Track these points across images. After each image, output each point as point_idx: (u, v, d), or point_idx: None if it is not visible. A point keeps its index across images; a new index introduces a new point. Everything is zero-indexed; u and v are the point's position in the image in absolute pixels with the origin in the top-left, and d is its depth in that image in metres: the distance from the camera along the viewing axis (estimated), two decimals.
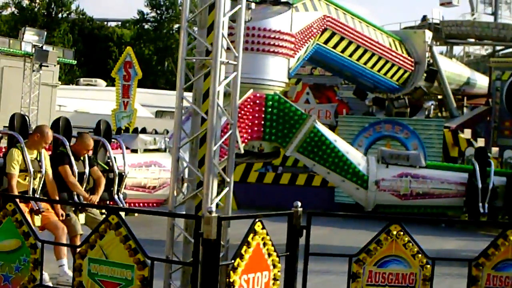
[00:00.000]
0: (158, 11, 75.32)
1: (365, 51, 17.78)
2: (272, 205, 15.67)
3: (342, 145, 14.25)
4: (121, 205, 11.10)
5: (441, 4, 49.12)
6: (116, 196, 11.18)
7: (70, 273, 8.73)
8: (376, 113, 21.89)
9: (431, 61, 21.01)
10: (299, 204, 6.67)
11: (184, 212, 7.40)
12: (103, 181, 10.36)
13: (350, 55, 17.36)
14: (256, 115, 13.53)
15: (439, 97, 24.61)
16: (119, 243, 6.25)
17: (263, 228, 6.23)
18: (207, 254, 5.95)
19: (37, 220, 9.20)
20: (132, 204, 12.77)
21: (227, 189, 7.01)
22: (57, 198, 9.50)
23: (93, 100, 41.07)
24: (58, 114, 35.82)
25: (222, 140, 7.27)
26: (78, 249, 6.56)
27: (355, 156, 14.39)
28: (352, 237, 14.31)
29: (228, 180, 7.10)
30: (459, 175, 14.71)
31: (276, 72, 13.85)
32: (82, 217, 9.96)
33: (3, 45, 32.73)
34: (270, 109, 13.60)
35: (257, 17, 13.32)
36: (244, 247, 6.06)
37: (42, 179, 9.42)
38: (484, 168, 14.44)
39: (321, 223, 14.21)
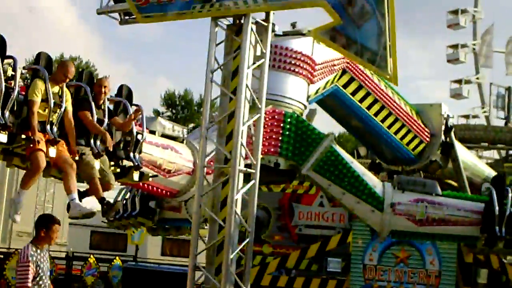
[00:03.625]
0: (174, 110, 76.16)
1: (382, 107, 17.27)
2: None
3: (359, 167, 14.16)
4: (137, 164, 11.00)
5: (452, 97, 49.41)
6: (132, 156, 11.01)
7: (81, 204, 9.25)
8: None
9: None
10: None
11: None
12: (128, 125, 10.41)
13: (368, 108, 16.86)
14: (274, 129, 13.46)
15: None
16: None
17: None
18: None
19: (52, 152, 9.19)
20: (145, 186, 12.55)
21: None
22: (74, 137, 9.54)
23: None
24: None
25: (239, 248, 7.32)
26: None
27: (372, 178, 14.26)
28: None
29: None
30: (476, 204, 14.38)
31: (296, 92, 13.85)
32: (97, 164, 9.96)
33: None
34: (288, 126, 13.57)
35: (280, 37, 13.39)
36: None
37: (61, 115, 9.46)
38: (501, 194, 14.29)
39: None
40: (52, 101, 9.27)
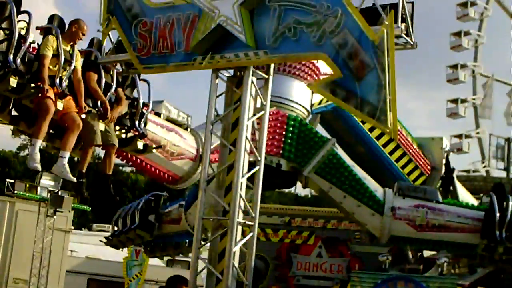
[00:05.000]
0: None
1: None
2: None
3: (360, 171, 14.13)
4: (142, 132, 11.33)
5: (448, 116, 48.94)
6: (137, 125, 11.28)
7: (67, 167, 9.60)
8: (389, 269, 21.63)
9: None
10: None
11: None
12: (125, 103, 10.77)
13: (370, 130, 16.91)
14: (277, 131, 13.56)
15: None
16: None
17: None
18: None
19: (59, 105, 9.60)
20: (148, 166, 12.57)
21: None
22: (82, 94, 9.87)
23: (105, 246, 40.87)
24: (69, 260, 35.70)
25: None
26: None
27: (372, 183, 14.25)
28: None
29: None
30: (476, 211, 14.46)
31: (300, 96, 14.07)
32: (102, 126, 10.28)
33: (20, 189, 33.02)
34: (291, 129, 13.63)
35: None
36: None
37: (70, 73, 9.80)
38: (501, 200, 14.20)
39: None
40: (63, 57, 9.59)
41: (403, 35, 8.92)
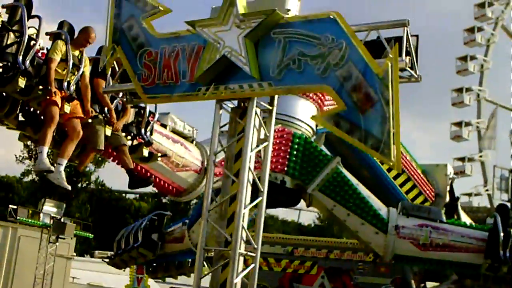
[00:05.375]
0: None
1: None
2: None
3: (364, 189, 14.07)
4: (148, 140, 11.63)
5: (452, 138, 48.83)
6: (143, 132, 11.58)
7: (63, 175, 9.79)
8: None
9: None
10: None
11: None
12: (131, 111, 11.08)
13: None
14: (282, 148, 13.59)
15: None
16: None
17: None
18: None
19: (67, 108, 10.00)
20: (153, 177, 12.58)
21: None
22: (89, 99, 10.18)
23: (108, 273, 40.74)
24: (71, 286, 35.59)
25: None
26: None
27: (376, 202, 14.22)
28: None
29: None
30: (480, 232, 14.46)
31: (305, 114, 13.98)
32: (108, 131, 10.56)
33: (23, 215, 33.02)
34: (296, 146, 13.63)
35: None
36: None
37: (78, 78, 10.15)
38: (506, 221, 14.14)
39: None
40: (71, 62, 9.95)
41: (407, 68, 8.93)
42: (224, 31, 8.71)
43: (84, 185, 72.46)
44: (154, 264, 19.19)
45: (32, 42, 9.82)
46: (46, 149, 9.69)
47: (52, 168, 9.74)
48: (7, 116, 10.26)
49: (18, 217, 30.82)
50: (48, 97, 9.69)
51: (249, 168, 8.48)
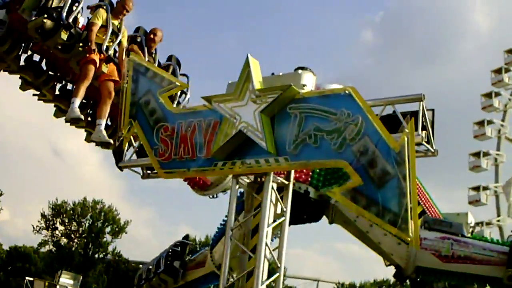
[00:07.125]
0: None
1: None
2: None
3: None
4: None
5: (470, 203, 48.66)
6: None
7: (104, 132, 10.63)
8: None
9: None
10: None
11: None
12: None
13: None
14: None
15: None
16: None
17: None
18: None
19: (104, 68, 10.84)
20: None
21: None
22: (125, 65, 10.78)
23: None
24: None
25: None
26: None
27: None
28: None
29: None
30: (501, 246, 14.29)
31: None
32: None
33: (39, 287, 32.89)
34: None
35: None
36: None
37: (116, 44, 10.99)
38: None
39: None
40: (111, 28, 10.75)
41: (423, 142, 8.89)
42: (240, 106, 8.75)
43: (101, 255, 72.16)
44: None
45: (76, 5, 10.67)
46: (78, 100, 10.48)
47: (82, 117, 10.62)
48: (8, 54, 10.98)
49: None
50: (88, 55, 10.50)
51: (266, 244, 8.41)
